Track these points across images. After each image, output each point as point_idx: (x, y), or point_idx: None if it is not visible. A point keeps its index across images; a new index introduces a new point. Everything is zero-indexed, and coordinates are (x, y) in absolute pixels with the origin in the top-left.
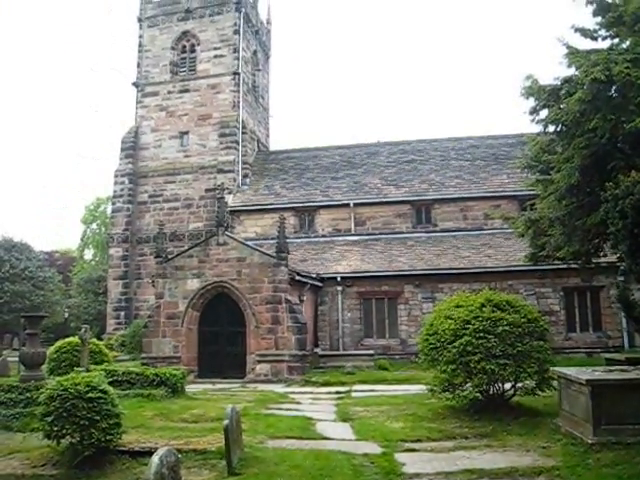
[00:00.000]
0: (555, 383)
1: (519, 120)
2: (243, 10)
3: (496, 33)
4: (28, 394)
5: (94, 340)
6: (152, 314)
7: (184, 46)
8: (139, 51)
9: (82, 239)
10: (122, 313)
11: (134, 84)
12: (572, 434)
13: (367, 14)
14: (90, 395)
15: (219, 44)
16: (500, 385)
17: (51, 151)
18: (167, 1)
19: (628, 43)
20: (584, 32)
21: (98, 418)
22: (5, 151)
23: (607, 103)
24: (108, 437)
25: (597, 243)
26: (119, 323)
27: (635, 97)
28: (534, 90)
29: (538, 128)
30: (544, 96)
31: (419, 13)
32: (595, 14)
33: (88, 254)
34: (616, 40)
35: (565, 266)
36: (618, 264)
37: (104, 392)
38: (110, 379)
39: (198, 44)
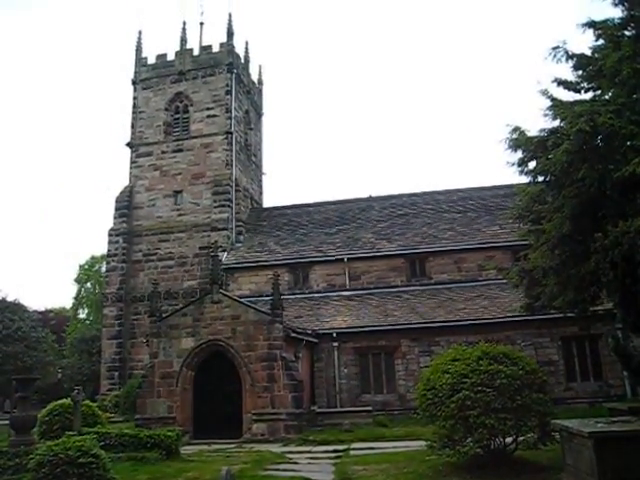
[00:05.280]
0: (558, 435)
1: (506, 169)
2: (235, 71)
3: (478, 83)
4: (17, 460)
5: (87, 402)
6: (146, 374)
7: (177, 107)
8: (133, 112)
9: (76, 298)
10: (116, 373)
11: (128, 144)
12: None
13: (357, 69)
14: (81, 460)
15: (212, 104)
16: (501, 439)
17: (44, 208)
18: (161, 64)
19: (610, 94)
20: (566, 85)
21: None
22: None
23: (594, 153)
24: None
25: (593, 291)
26: (113, 383)
27: (620, 146)
28: (521, 142)
29: (527, 179)
30: (531, 148)
31: (409, 66)
32: (576, 68)
33: (82, 313)
34: (598, 92)
35: (562, 315)
36: (615, 312)
37: (96, 457)
38: (102, 442)
39: (191, 105)
